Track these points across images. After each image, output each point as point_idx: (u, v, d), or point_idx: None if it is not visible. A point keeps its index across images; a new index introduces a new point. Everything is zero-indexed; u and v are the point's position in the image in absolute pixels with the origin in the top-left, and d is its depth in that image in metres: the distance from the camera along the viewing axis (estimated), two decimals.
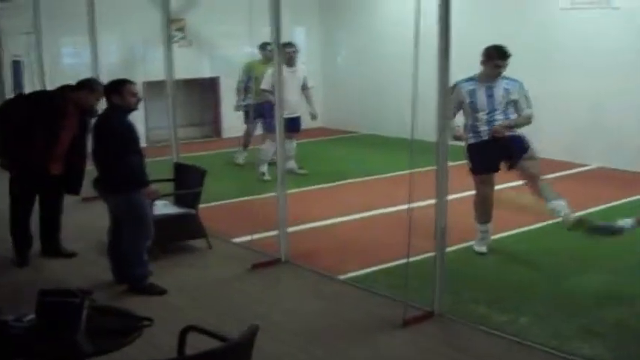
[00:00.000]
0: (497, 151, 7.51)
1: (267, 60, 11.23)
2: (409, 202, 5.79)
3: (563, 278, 7.01)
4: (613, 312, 6.15)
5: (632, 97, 11.35)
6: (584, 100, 11.88)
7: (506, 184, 8.58)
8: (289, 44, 11.15)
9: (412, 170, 5.79)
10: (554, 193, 7.41)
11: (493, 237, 7.90)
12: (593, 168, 11.93)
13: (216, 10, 14.35)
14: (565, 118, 12.09)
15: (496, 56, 7.39)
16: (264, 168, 11.04)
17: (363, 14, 15.49)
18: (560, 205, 7.35)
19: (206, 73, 15.28)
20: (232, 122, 14.42)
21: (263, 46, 11.42)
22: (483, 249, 7.68)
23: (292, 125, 10.70)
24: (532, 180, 7.53)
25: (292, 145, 11.31)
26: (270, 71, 10.18)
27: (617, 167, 11.64)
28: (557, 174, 10.82)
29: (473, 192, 7.77)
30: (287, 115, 8.91)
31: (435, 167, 5.85)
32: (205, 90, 15.51)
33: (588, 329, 5.78)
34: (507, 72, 7.47)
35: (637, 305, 6.30)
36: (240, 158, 12.50)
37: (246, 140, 12.43)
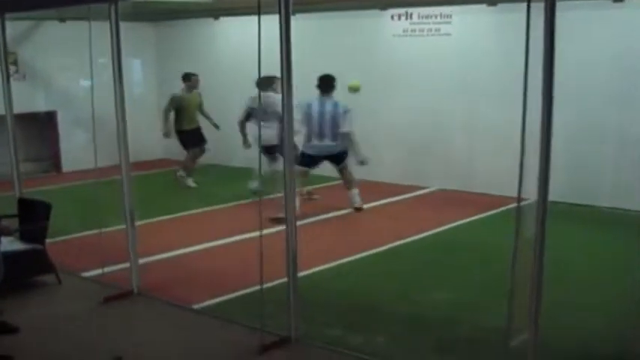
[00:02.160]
0: None
1: (190, 89, 13.03)
2: (260, 228, 5.92)
3: (413, 297, 7.31)
4: (461, 328, 6.48)
5: (462, 118, 11.98)
6: (419, 123, 12.40)
7: None
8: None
9: (261, 197, 5.92)
10: None
11: (342, 261, 8.19)
12: (433, 190, 12.46)
13: (49, 43, 14.10)
14: (401, 141, 12.64)
15: None
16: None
17: (197, 44, 15.53)
18: None
19: (43, 107, 14.92)
20: (73, 155, 14.21)
21: (187, 77, 13.02)
22: None
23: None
24: None
25: None
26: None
27: (456, 189, 12.23)
28: (399, 197, 11.26)
29: (316, 218, 8.00)
30: None
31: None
32: (43, 124, 15.13)
33: (441, 346, 6.06)
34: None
35: (482, 320, 6.64)
36: (190, 181, 13.26)
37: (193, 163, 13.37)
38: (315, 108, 10.58)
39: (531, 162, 4.48)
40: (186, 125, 13.10)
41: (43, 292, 7.57)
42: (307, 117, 10.57)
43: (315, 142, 10.68)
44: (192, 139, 13.20)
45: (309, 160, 10.77)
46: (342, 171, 10.93)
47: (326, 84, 10.67)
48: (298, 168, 9.76)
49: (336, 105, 10.60)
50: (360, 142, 10.71)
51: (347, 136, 10.57)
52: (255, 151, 9.83)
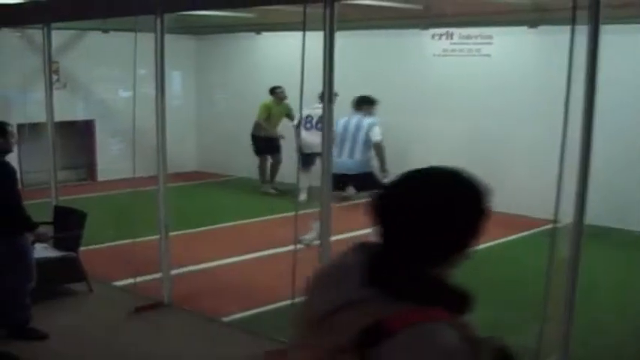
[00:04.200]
0: None
1: (280, 100, 13.48)
2: (295, 242, 5.90)
3: None
4: None
5: (499, 139, 11.92)
6: (458, 140, 12.29)
7: None
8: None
9: (297, 212, 5.89)
10: None
11: None
12: None
13: (90, 53, 14.22)
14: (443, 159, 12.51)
15: None
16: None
17: (238, 58, 15.60)
18: None
19: (81, 116, 15.05)
20: (109, 165, 14.32)
21: (274, 90, 13.47)
22: None
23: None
24: None
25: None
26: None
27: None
28: None
29: (355, 233, 7.92)
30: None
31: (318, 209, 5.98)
32: (80, 133, 15.26)
33: None
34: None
35: (512, 340, 6.53)
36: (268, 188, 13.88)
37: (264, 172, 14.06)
38: (341, 123, 9.86)
39: (567, 184, 4.43)
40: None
41: (74, 300, 7.61)
42: (336, 133, 9.86)
43: (335, 158, 10.02)
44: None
45: (335, 180, 10.08)
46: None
47: (358, 100, 10.21)
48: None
49: (361, 120, 9.96)
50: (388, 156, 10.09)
51: (377, 148, 9.90)
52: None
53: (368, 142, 9.84)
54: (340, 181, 9.94)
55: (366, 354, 1.71)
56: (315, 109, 10.55)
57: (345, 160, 9.75)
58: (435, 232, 1.88)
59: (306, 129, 11.34)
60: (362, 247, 1.97)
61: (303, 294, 2.01)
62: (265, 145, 13.84)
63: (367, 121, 9.92)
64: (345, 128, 9.85)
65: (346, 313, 1.82)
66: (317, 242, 8.76)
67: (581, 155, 4.43)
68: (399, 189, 1.96)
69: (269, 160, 14.03)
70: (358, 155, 9.85)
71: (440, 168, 1.99)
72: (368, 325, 1.75)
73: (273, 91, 13.58)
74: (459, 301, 1.90)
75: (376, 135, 9.85)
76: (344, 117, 9.92)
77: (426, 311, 1.80)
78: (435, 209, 1.89)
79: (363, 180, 9.69)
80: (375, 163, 9.98)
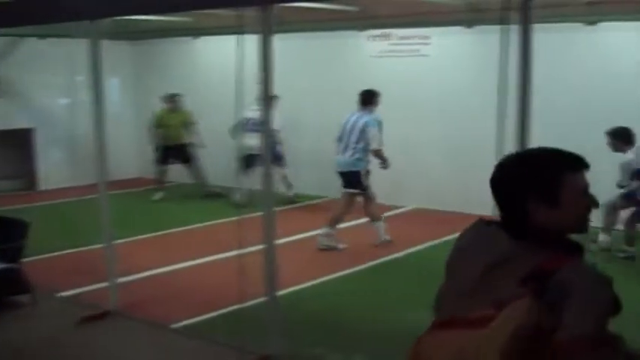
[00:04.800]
0: None
1: (175, 109, 13.62)
2: (239, 247, 5.93)
3: (393, 316, 7.34)
4: None
5: (438, 138, 12.08)
6: (398, 143, 12.42)
7: None
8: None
9: (240, 217, 5.91)
10: None
11: (321, 280, 8.25)
12: (409, 209, 12.49)
13: (27, 60, 14.02)
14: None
15: None
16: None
17: (176, 63, 15.55)
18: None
19: (20, 124, 14.81)
20: (49, 174, 14.17)
21: (169, 98, 13.63)
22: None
23: None
24: None
25: None
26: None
27: (432, 208, 12.31)
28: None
29: (298, 236, 7.99)
30: None
31: (260, 214, 6.01)
32: (20, 141, 15.01)
33: None
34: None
35: None
36: (157, 195, 13.75)
37: (162, 179, 13.94)
38: (343, 121, 10.14)
39: None
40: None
41: (18, 313, 7.52)
42: (343, 132, 10.06)
43: (338, 156, 10.17)
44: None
45: (343, 179, 10.15)
46: (343, 196, 10.11)
47: (363, 97, 10.05)
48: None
49: (360, 117, 9.93)
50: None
51: (375, 153, 9.96)
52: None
53: (361, 141, 9.90)
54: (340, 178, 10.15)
55: (537, 292, 2.05)
56: (254, 112, 10.63)
57: (338, 158, 10.09)
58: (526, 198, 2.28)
59: (247, 131, 11.39)
60: (482, 220, 2.42)
61: (445, 273, 2.44)
62: (172, 153, 13.78)
63: (364, 119, 9.91)
64: (344, 126, 10.02)
65: (504, 268, 2.19)
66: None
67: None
68: (505, 164, 2.40)
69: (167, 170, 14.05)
70: (349, 153, 9.96)
71: (542, 148, 2.40)
72: (533, 269, 2.12)
73: (169, 99, 13.70)
74: (579, 250, 2.30)
75: (373, 142, 9.88)
76: (350, 114, 10.08)
77: (568, 257, 2.21)
78: (524, 180, 2.31)
79: (349, 178, 9.98)
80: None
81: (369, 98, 10.03)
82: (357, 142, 9.87)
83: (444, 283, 2.46)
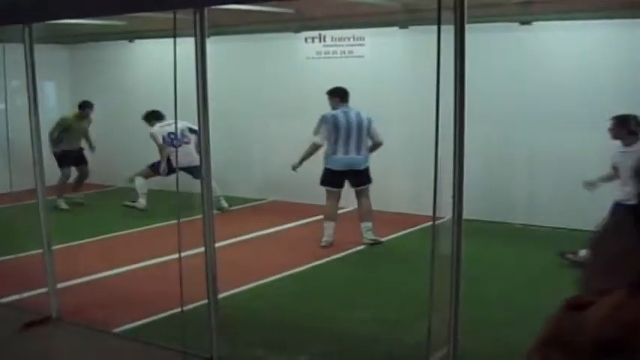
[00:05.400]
0: None
1: (83, 117, 13.60)
2: (179, 250, 5.94)
3: (334, 316, 7.44)
4: (383, 345, 6.65)
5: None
6: None
7: None
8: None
9: (179, 220, 5.93)
10: None
11: (263, 281, 8.36)
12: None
13: None
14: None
15: None
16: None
17: (112, 67, 15.44)
18: None
19: None
20: None
21: (82, 106, 13.57)
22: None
23: None
24: None
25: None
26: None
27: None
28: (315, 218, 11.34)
29: (238, 239, 8.02)
30: None
31: (198, 217, 6.04)
32: None
33: None
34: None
35: (403, 337, 6.77)
36: (63, 203, 13.35)
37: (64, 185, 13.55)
38: (341, 118, 10.05)
39: (445, 181, 4.63)
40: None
41: None
42: (334, 128, 10.02)
43: (340, 155, 10.10)
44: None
45: (334, 179, 10.22)
46: (363, 193, 10.35)
47: (345, 93, 10.23)
48: (327, 189, 10.20)
49: (359, 114, 10.11)
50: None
51: (377, 147, 10.31)
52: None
53: (368, 138, 10.22)
54: (340, 179, 10.21)
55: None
56: (167, 126, 11.89)
57: (354, 157, 10.12)
58: None
59: (176, 145, 11.52)
60: (618, 204, 2.37)
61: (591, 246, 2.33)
62: (70, 157, 13.62)
63: (365, 116, 10.15)
64: (348, 124, 10.03)
65: (629, 259, 2.10)
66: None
67: (454, 151, 4.63)
68: None
69: (72, 174, 13.81)
70: (363, 151, 10.19)
71: None
72: None
73: (81, 106, 13.65)
74: None
75: (379, 137, 10.28)
76: (336, 112, 10.10)
77: None
78: None
79: (367, 174, 10.33)
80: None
81: (347, 95, 10.24)
82: (366, 139, 10.21)
83: (588, 261, 2.43)
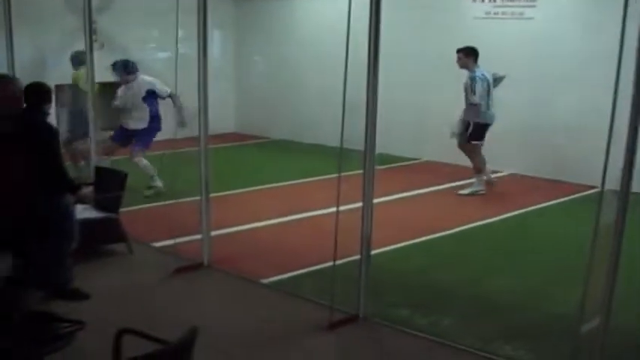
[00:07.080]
0: None
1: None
2: (337, 205, 5.86)
3: (483, 281, 7.24)
4: (530, 314, 6.39)
5: (538, 106, 11.76)
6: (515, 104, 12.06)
7: None
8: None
9: (340, 174, 5.83)
10: None
11: (412, 242, 8.29)
12: (504, 175, 12.26)
13: (128, 13, 14.16)
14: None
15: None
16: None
17: (279, 19, 15.53)
18: None
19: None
20: None
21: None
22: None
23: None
24: None
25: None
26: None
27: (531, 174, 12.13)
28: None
29: (396, 196, 7.92)
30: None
31: (359, 172, 5.93)
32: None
33: (509, 330, 5.97)
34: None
35: (552, 307, 6.51)
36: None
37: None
38: (487, 77, 10.66)
39: (612, 150, 4.34)
40: None
41: (114, 261, 7.64)
42: (488, 87, 10.62)
43: (491, 110, 10.74)
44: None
45: (484, 132, 10.81)
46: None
47: (476, 52, 10.63)
48: (478, 144, 10.78)
49: (487, 73, 10.70)
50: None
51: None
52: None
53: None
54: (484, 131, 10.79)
55: None
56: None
57: (491, 112, 10.80)
58: None
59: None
60: None
61: None
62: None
63: (491, 75, 10.71)
64: (488, 83, 10.60)
65: None
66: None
67: (630, 119, 4.31)
68: None
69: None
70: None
71: None
72: None
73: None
74: None
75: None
76: (483, 71, 10.57)
77: None
78: None
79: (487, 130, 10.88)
80: None
81: (478, 55, 10.63)
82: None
83: None
